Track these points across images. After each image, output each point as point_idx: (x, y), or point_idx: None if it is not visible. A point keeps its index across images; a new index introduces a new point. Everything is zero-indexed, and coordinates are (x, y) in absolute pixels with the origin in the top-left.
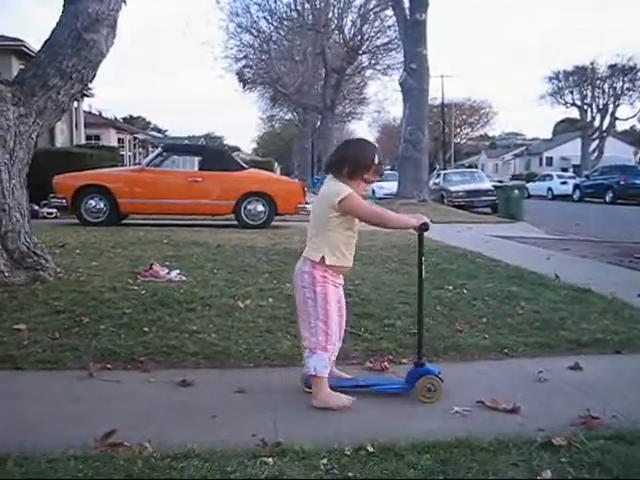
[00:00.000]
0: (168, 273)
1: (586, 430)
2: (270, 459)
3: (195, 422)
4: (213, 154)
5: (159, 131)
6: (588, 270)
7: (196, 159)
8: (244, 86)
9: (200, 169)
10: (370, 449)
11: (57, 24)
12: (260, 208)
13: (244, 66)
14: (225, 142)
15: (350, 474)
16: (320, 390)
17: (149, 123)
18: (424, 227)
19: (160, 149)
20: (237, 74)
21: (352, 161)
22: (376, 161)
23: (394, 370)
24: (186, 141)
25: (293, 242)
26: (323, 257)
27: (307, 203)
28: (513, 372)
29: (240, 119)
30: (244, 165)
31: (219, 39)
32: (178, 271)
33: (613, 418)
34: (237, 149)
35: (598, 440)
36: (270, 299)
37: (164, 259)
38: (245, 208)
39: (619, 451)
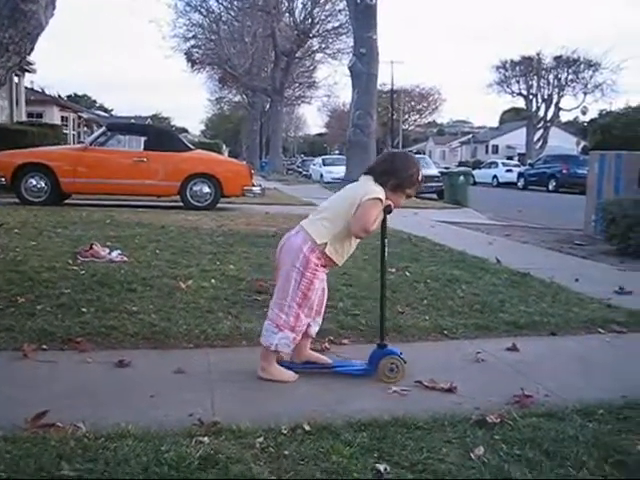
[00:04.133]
0: (109, 253)
1: (520, 408)
2: (206, 438)
3: (132, 402)
4: (159, 134)
5: (105, 110)
6: (529, 255)
7: (142, 139)
8: (192, 66)
9: (145, 149)
10: (307, 428)
11: None
12: (206, 190)
13: (193, 46)
14: (173, 123)
15: (286, 452)
16: (269, 364)
17: (95, 102)
18: (387, 209)
19: (104, 128)
20: (185, 54)
21: (400, 176)
22: (420, 178)
23: (334, 351)
24: (132, 121)
25: (238, 224)
26: (325, 243)
27: (253, 185)
28: (452, 353)
29: (188, 100)
30: (190, 146)
31: (168, 17)
32: (119, 251)
33: (546, 397)
34: (185, 130)
35: (530, 418)
36: (212, 280)
37: (106, 239)
38: (191, 189)
39: (550, 428)
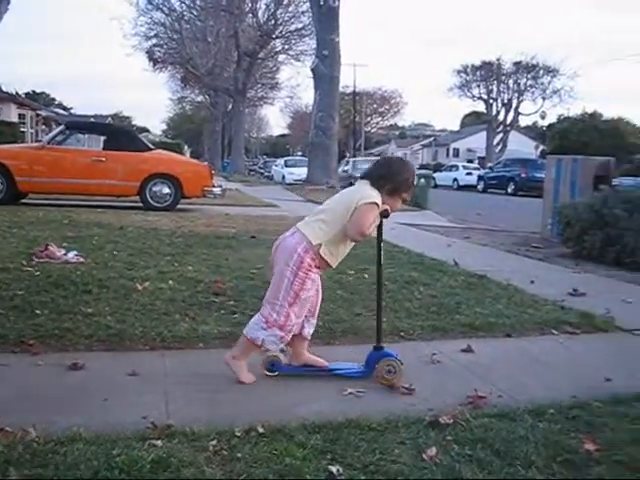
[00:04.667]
0: (65, 254)
1: (473, 409)
2: (159, 441)
3: (85, 406)
4: (118, 133)
5: (64, 108)
6: (486, 257)
7: (101, 138)
8: (154, 65)
9: (104, 148)
10: (260, 430)
11: None
12: (166, 190)
13: (154, 45)
14: (134, 122)
15: (239, 455)
16: (243, 356)
17: (53, 100)
18: (384, 214)
19: (63, 126)
20: (147, 53)
21: (396, 180)
22: (414, 183)
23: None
24: (92, 119)
25: (198, 225)
26: (320, 244)
27: (214, 186)
28: (408, 354)
29: (150, 99)
30: (150, 146)
31: (129, 15)
32: (76, 252)
33: (499, 397)
34: (146, 130)
35: (483, 418)
36: (170, 281)
37: (63, 240)
38: (150, 190)
39: (501, 428)
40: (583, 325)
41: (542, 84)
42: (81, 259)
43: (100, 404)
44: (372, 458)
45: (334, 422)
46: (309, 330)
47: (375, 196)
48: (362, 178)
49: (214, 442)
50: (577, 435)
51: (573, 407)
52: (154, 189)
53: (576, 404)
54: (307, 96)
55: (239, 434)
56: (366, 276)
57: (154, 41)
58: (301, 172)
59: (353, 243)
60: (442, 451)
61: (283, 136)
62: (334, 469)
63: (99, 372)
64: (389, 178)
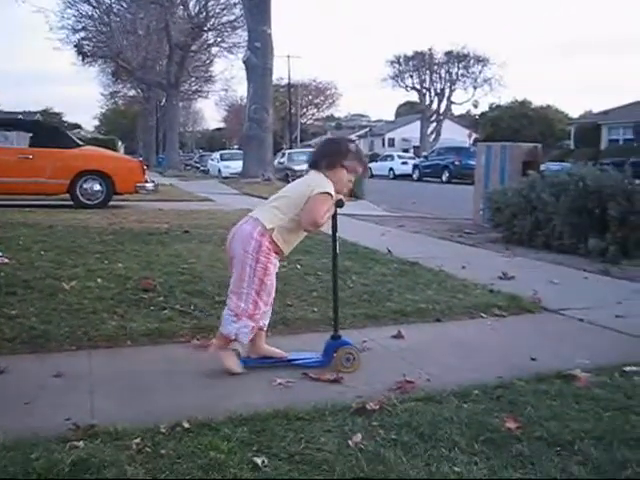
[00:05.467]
0: None
1: (401, 394)
2: (81, 442)
3: (5, 410)
4: (46, 130)
5: None
6: (420, 245)
7: (27, 135)
8: (83, 59)
9: (31, 146)
10: (186, 425)
11: None
12: (97, 187)
13: (83, 38)
14: (65, 119)
15: (163, 451)
16: (225, 350)
17: None
18: (339, 203)
19: None
20: (75, 46)
21: (328, 153)
22: (352, 149)
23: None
24: (20, 116)
25: (130, 222)
26: (273, 229)
27: (147, 182)
28: None
29: (81, 95)
30: (79, 142)
31: (55, 8)
32: (0, 253)
33: (427, 381)
34: (78, 126)
35: (409, 402)
36: (98, 280)
37: None
38: (81, 187)
39: (427, 411)
40: (511, 308)
41: (473, 73)
42: (5, 260)
43: (21, 408)
44: (298, 447)
45: (262, 413)
46: (265, 322)
47: (328, 186)
48: (311, 167)
49: (138, 440)
50: (500, 415)
51: (498, 387)
52: (84, 186)
53: (501, 384)
54: (242, 89)
55: (164, 430)
56: (299, 267)
57: (82, 34)
58: (237, 165)
59: (305, 233)
60: (367, 437)
61: (219, 129)
62: (259, 460)
63: (22, 375)
64: (323, 153)
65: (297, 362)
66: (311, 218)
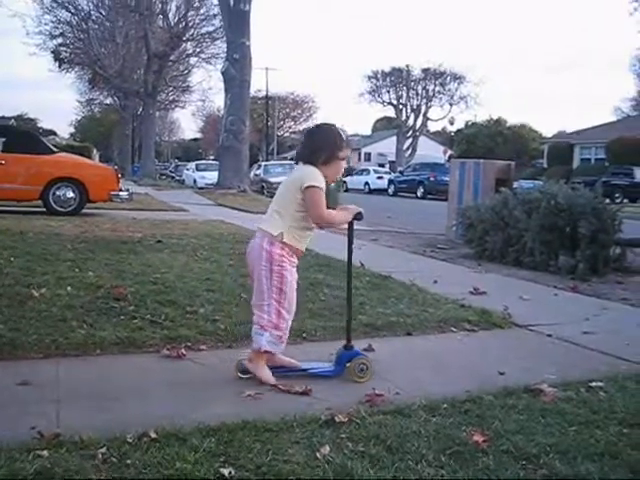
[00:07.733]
0: None
1: (370, 407)
2: (45, 451)
3: None
4: (18, 136)
5: None
6: (393, 259)
7: (0, 140)
8: (60, 66)
9: (4, 151)
10: (153, 435)
11: None
12: (70, 194)
13: (60, 44)
14: (40, 125)
15: (128, 461)
16: (257, 366)
17: None
18: (358, 216)
19: None
20: (52, 52)
21: (326, 148)
22: (344, 137)
23: (191, 357)
24: None
25: (103, 230)
26: (282, 233)
27: (121, 190)
28: (308, 355)
29: (57, 101)
30: (53, 148)
31: (32, 13)
32: None
33: (396, 394)
34: (53, 133)
35: (378, 415)
36: (69, 288)
37: None
38: (54, 194)
39: (395, 424)
40: (481, 322)
41: (449, 90)
42: None
43: None
44: (265, 459)
45: (230, 424)
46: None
47: (315, 178)
48: (298, 161)
49: (103, 450)
50: (468, 428)
51: (466, 401)
52: (57, 193)
53: (469, 398)
54: (219, 99)
55: (131, 440)
56: None
57: (60, 40)
58: (213, 176)
59: (312, 227)
60: (335, 449)
61: (195, 140)
62: (226, 472)
63: None
64: (320, 148)
65: (311, 372)
66: (315, 213)
